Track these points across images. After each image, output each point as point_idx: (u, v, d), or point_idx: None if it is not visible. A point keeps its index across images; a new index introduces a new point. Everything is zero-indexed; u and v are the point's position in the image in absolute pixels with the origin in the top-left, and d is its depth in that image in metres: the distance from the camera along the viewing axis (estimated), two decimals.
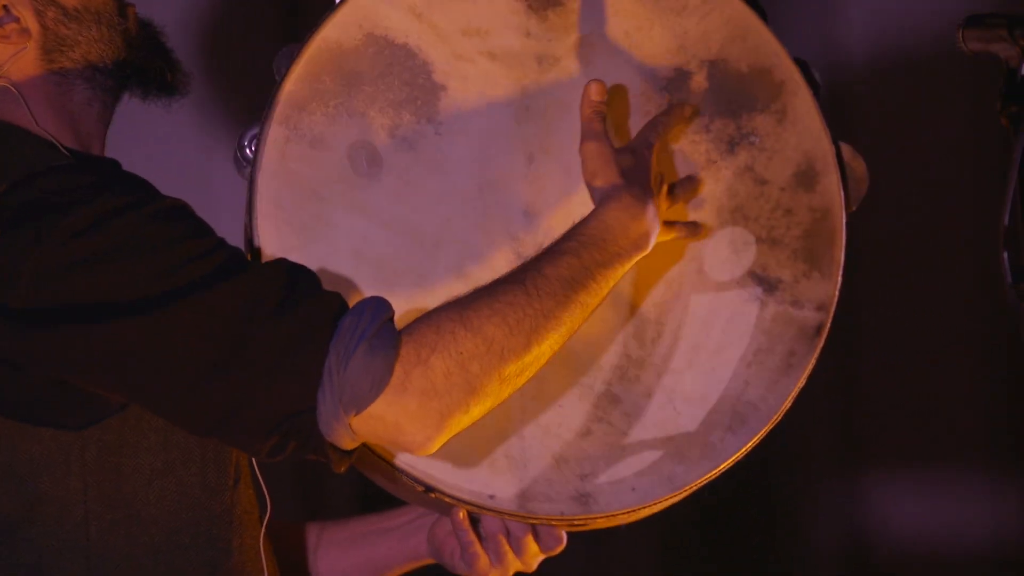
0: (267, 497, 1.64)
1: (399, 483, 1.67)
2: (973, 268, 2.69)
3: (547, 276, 1.52)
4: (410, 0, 1.69)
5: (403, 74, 1.68)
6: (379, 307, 1.46)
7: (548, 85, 1.73)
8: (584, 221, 1.58)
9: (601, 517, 1.70)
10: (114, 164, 1.64)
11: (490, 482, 1.66)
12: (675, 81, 1.75)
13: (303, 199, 1.64)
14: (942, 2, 2.81)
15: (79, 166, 1.55)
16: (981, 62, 1.54)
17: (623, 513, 1.70)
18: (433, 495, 1.65)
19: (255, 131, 1.66)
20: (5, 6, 1.60)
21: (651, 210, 1.60)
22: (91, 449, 1.51)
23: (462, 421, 1.47)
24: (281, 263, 1.52)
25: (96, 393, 1.50)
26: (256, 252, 1.61)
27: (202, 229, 1.50)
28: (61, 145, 1.58)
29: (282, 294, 1.45)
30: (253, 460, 1.64)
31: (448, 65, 1.69)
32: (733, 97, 1.75)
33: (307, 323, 1.44)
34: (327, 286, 1.51)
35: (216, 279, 1.45)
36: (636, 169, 1.62)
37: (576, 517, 1.69)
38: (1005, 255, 1.35)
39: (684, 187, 1.72)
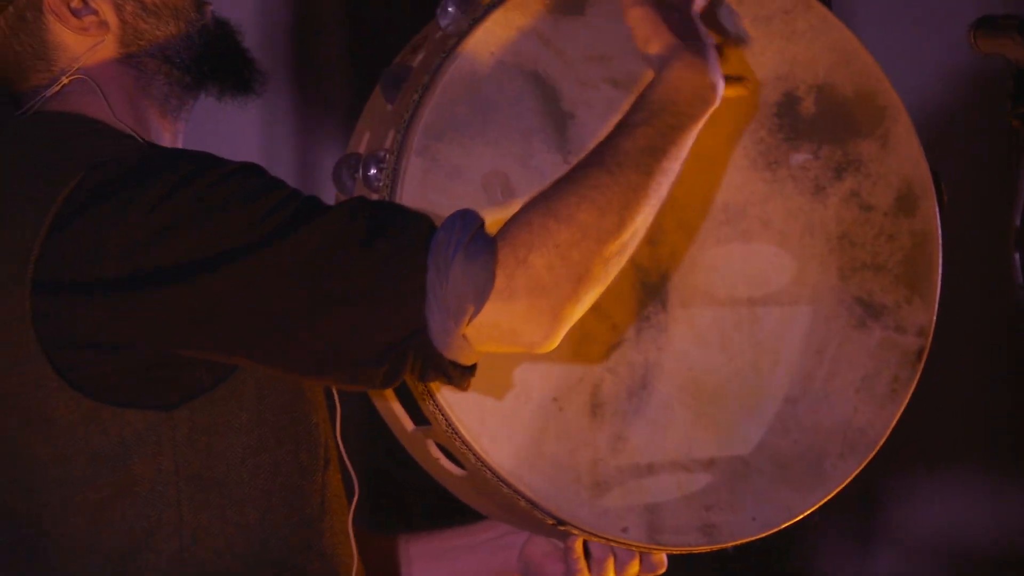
0: (355, 481, 1.65)
1: (521, 512, 1.65)
2: (973, 268, 2.77)
3: (626, 151, 1.50)
4: (539, 26, 1.64)
5: (533, 102, 1.65)
6: (469, 218, 1.45)
7: None
8: (651, 87, 1.56)
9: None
10: None
11: (623, 516, 1.65)
12: (785, 106, 1.75)
13: None
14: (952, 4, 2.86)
15: (152, 150, 1.56)
16: (991, 63, 1.59)
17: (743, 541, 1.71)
18: (563, 528, 1.64)
19: (380, 156, 1.61)
20: None
21: (712, 62, 1.57)
22: (182, 429, 1.49)
23: (575, 311, 1.46)
24: (360, 199, 1.52)
25: (186, 372, 1.50)
26: None
27: (276, 183, 1.48)
28: (139, 136, 1.58)
29: (368, 224, 1.44)
30: (340, 444, 1.65)
31: (574, 92, 1.66)
32: (840, 123, 1.77)
33: (400, 244, 1.44)
34: None
35: (300, 222, 1.43)
36: (685, 23, 1.59)
37: (701, 547, 1.69)
38: (1017, 256, 1.39)
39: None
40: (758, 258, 1.74)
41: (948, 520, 3.31)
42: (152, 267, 1.42)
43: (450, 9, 1.66)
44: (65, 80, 1.62)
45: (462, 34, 1.62)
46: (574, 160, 1.64)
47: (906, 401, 1.77)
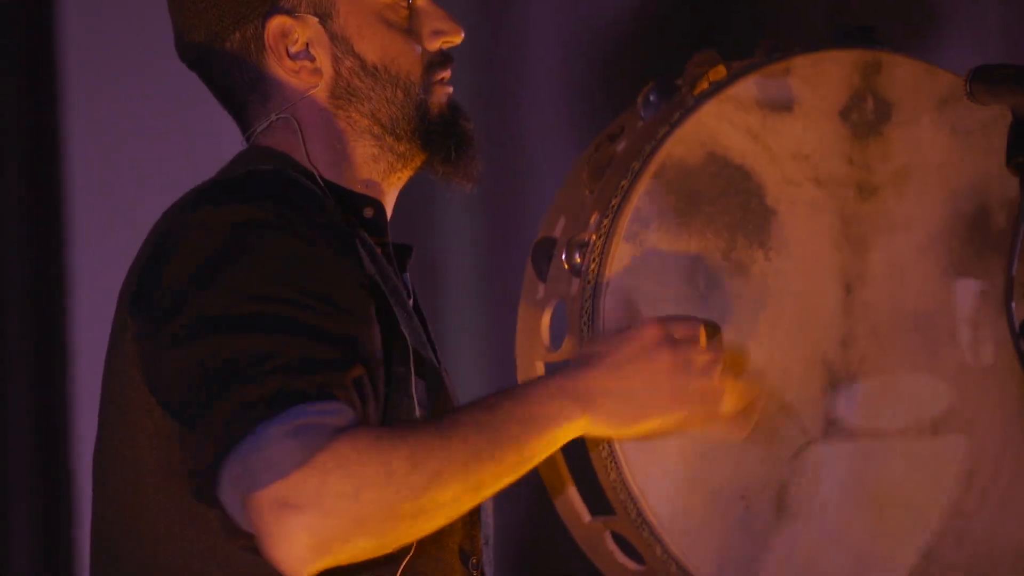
0: None
1: None
2: None
3: (463, 421, 1.43)
4: (749, 121, 1.65)
5: (739, 196, 1.64)
6: (347, 413, 1.36)
7: (866, 213, 1.70)
8: (557, 373, 1.51)
9: None
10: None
11: None
12: (977, 218, 1.74)
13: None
14: None
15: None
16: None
17: None
18: None
19: (584, 241, 1.60)
20: (308, 43, 1.62)
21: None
22: None
23: (340, 549, 1.34)
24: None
25: None
26: None
27: (300, 275, 1.44)
28: (320, 177, 1.59)
29: (267, 366, 1.37)
30: None
31: (779, 189, 1.66)
32: None
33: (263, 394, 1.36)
34: None
35: (240, 326, 1.40)
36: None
37: None
38: (1013, 305, 1.38)
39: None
40: (945, 368, 1.71)
41: None
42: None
43: (652, 99, 1.66)
44: (274, 117, 1.64)
45: (674, 123, 1.62)
46: (774, 256, 1.64)
47: None
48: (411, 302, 1.65)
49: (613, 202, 1.60)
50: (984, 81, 1.46)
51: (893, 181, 1.73)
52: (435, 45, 1.69)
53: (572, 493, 1.69)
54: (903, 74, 1.73)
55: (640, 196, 1.59)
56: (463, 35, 1.72)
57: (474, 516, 1.61)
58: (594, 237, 1.60)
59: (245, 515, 1.33)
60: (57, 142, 3.27)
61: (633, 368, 1.49)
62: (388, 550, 1.39)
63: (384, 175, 1.69)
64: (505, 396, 1.47)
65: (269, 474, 1.30)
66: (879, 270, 1.69)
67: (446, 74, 1.71)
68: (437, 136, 1.69)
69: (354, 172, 1.67)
